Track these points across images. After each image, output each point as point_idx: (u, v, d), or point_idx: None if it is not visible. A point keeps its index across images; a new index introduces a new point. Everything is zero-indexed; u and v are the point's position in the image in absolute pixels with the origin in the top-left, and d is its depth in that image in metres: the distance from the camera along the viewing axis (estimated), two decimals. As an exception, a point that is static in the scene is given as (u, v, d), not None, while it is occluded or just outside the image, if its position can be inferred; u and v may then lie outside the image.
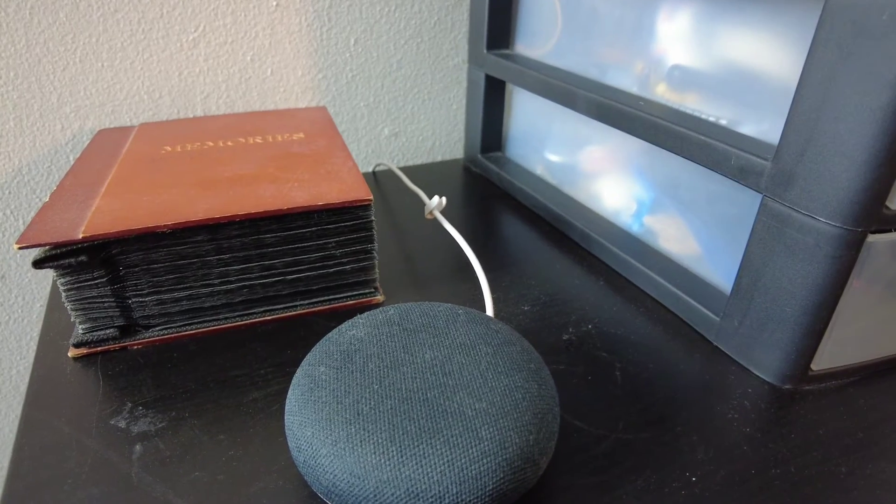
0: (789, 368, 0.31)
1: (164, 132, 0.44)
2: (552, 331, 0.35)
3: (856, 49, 0.24)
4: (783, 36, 0.30)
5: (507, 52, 0.53)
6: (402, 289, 0.39)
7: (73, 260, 0.30)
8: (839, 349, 0.31)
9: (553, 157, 0.51)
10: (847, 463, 0.27)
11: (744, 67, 0.32)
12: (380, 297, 0.37)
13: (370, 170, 0.59)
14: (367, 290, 0.37)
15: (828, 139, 0.26)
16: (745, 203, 0.34)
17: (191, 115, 0.53)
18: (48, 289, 0.55)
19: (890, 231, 0.27)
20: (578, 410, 0.30)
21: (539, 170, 0.53)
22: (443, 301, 0.38)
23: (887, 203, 0.26)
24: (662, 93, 0.38)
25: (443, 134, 0.65)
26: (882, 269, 0.28)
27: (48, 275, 0.54)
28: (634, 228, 0.43)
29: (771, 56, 0.31)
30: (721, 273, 0.36)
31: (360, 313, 0.35)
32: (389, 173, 0.58)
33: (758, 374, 0.32)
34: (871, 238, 0.27)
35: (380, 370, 0.24)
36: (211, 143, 0.41)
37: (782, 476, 0.26)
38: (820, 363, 0.31)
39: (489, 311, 0.34)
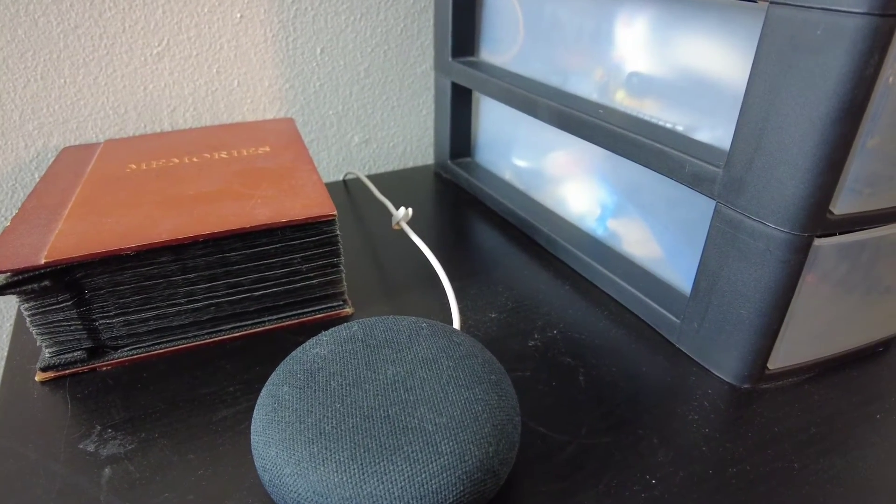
0: (747, 368, 0.32)
1: (130, 149, 0.44)
2: (518, 337, 0.36)
3: (795, 63, 0.25)
4: (734, 44, 0.31)
5: (472, 59, 0.53)
6: (372, 300, 0.39)
7: (35, 285, 0.30)
8: (793, 348, 0.32)
9: (520, 163, 0.51)
10: (800, 459, 0.28)
11: (698, 75, 0.33)
12: (349, 310, 0.37)
13: (340, 178, 0.60)
14: (335, 304, 0.37)
15: (774, 148, 0.27)
16: (702, 207, 0.35)
17: (158, 130, 0.53)
18: (14, 311, 0.54)
19: (835, 235, 0.28)
20: (542, 417, 0.30)
21: (507, 175, 0.54)
22: (411, 312, 0.38)
23: (831, 208, 0.27)
24: (621, 99, 0.39)
25: (413, 139, 0.65)
26: (829, 271, 0.29)
27: (12, 297, 0.53)
28: (599, 232, 0.44)
29: (723, 64, 0.32)
30: (682, 275, 0.37)
31: (329, 327, 0.36)
32: (360, 182, 0.58)
33: (717, 374, 0.33)
34: (817, 242, 0.28)
35: (342, 388, 0.25)
36: (176, 160, 0.41)
37: (738, 475, 0.27)
38: (776, 362, 0.32)
39: (455, 320, 0.34)
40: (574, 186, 0.45)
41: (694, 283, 0.33)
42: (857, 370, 0.34)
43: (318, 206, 0.34)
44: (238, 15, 0.52)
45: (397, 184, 0.57)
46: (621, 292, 0.39)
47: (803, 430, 0.30)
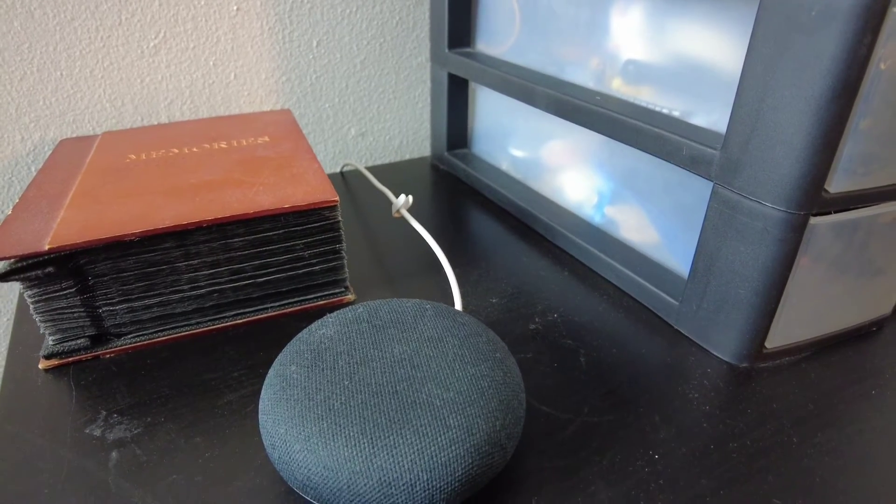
0: (745, 348, 0.33)
1: (128, 140, 0.44)
2: (519, 321, 0.36)
3: (790, 43, 0.26)
4: (729, 29, 0.31)
5: (468, 50, 0.54)
6: (374, 287, 0.40)
7: (39, 272, 0.30)
8: (790, 327, 0.33)
9: (517, 153, 0.52)
10: (798, 433, 0.29)
11: (694, 60, 0.34)
12: (351, 297, 0.38)
13: (338, 170, 0.60)
14: (337, 290, 0.37)
15: (770, 128, 0.28)
16: (699, 190, 0.35)
17: (155, 122, 0.53)
18: (15, 301, 0.54)
19: (830, 213, 0.29)
20: (545, 396, 0.31)
21: (504, 165, 0.54)
22: (413, 297, 0.38)
23: (826, 187, 0.28)
24: (618, 87, 0.39)
25: (410, 132, 0.65)
26: (825, 249, 0.30)
27: (14, 286, 0.53)
28: (596, 219, 0.44)
29: (718, 49, 0.32)
30: (679, 258, 0.38)
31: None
32: (357, 173, 0.59)
33: (716, 354, 0.34)
34: (813, 220, 0.29)
35: (350, 367, 0.25)
36: (176, 150, 0.41)
37: (739, 449, 0.28)
38: (773, 341, 0.33)
39: (458, 305, 0.35)
40: (571, 175, 0.46)
41: (692, 264, 0.34)
42: (852, 349, 0.34)
43: (320, 192, 0.34)
44: (234, 7, 0.52)
45: (394, 175, 0.58)
46: (620, 277, 0.39)
47: (801, 407, 0.30)
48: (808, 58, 0.25)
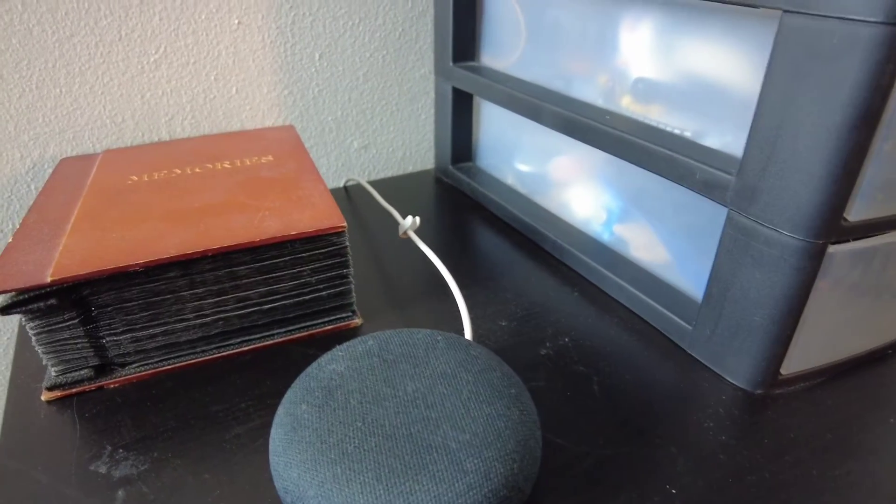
0: (760, 374, 0.32)
1: (129, 160, 0.43)
2: (530, 346, 0.36)
3: (810, 71, 0.25)
4: (742, 49, 0.31)
5: (473, 64, 0.53)
6: (381, 311, 0.39)
7: (42, 304, 0.29)
8: (806, 353, 0.32)
9: (523, 167, 0.51)
10: (818, 465, 0.28)
11: (706, 80, 0.33)
12: (358, 321, 0.37)
13: (341, 185, 0.59)
14: (344, 315, 0.37)
15: (788, 156, 0.27)
16: (711, 212, 0.35)
17: (156, 139, 0.53)
18: (15, 329, 0.54)
19: (849, 241, 0.28)
20: (559, 428, 0.30)
21: (510, 180, 0.53)
22: (421, 322, 0.38)
23: (845, 215, 0.27)
24: (627, 105, 0.39)
25: (413, 145, 0.65)
26: (842, 276, 0.30)
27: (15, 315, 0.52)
28: (605, 237, 0.43)
29: (732, 69, 0.32)
30: (692, 280, 0.37)
31: (339, 339, 0.35)
32: (361, 188, 0.58)
33: (730, 380, 0.33)
34: (831, 249, 0.28)
35: (362, 406, 0.24)
36: (178, 171, 0.40)
37: (758, 483, 0.27)
38: (789, 367, 0.32)
39: (467, 331, 0.34)
40: (578, 191, 0.45)
41: (706, 289, 0.33)
42: (869, 372, 0.34)
43: (328, 217, 0.33)
44: (236, 21, 0.51)
45: (398, 190, 0.57)
46: (630, 298, 0.39)
47: (819, 436, 0.30)
48: (829, 86, 0.25)
